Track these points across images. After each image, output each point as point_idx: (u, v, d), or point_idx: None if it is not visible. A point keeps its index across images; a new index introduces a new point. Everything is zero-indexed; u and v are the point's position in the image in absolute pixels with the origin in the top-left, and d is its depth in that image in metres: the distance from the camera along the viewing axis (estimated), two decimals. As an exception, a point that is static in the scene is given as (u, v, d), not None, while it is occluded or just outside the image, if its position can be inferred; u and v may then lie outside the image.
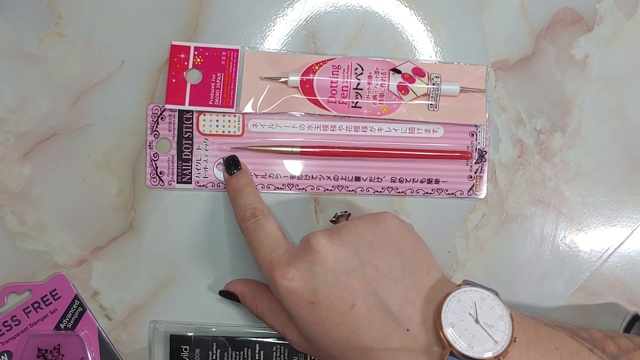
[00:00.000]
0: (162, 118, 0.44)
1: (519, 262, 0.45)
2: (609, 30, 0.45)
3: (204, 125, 0.44)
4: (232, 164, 0.43)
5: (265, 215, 0.40)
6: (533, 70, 0.45)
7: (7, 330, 0.43)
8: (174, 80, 0.43)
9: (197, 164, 0.44)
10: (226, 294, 0.43)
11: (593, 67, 0.45)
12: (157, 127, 0.44)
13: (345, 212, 0.42)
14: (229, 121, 0.44)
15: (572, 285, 0.45)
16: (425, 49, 0.45)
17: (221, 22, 0.44)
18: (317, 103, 0.43)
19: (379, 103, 0.43)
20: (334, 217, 0.42)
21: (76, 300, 0.44)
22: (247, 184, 0.42)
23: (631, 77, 0.45)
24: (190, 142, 0.44)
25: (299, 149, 0.44)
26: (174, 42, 0.44)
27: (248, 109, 0.43)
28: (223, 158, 0.43)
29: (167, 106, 0.43)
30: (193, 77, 0.44)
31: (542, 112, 0.45)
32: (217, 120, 0.44)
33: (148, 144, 0.44)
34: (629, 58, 0.45)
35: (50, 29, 0.44)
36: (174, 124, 0.44)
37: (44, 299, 0.43)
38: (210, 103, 0.43)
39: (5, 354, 0.43)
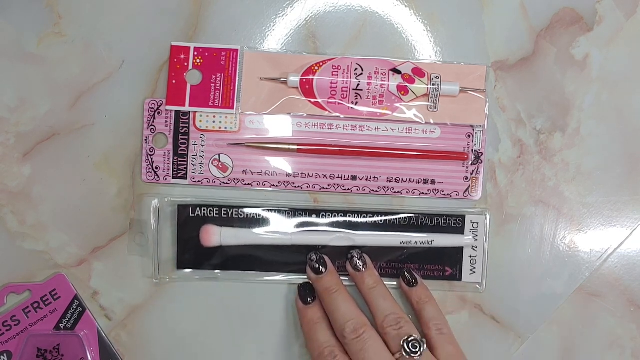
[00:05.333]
0: (158, 113, 0.44)
1: (519, 262, 0.45)
2: (609, 30, 0.45)
3: (200, 121, 0.44)
4: (308, 293, 0.42)
5: (342, 356, 0.39)
6: (533, 70, 0.45)
7: (6, 330, 0.43)
8: (174, 82, 0.43)
9: (193, 159, 0.44)
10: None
11: (593, 67, 0.45)
12: (153, 121, 0.44)
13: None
14: (226, 117, 0.44)
15: (572, 285, 0.45)
16: (425, 49, 0.45)
17: (221, 21, 0.44)
18: (317, 104, 0.43)
19: (379, 104, 0.43)
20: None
21: (76, 300, 0.44)
22: (323, 317, 0.41)
23: (631, 77, 0.45)
24: (186, 137, 0.44)
25: (295, 147, 0.43)
26: (173, 43, 0.44)
27: (248, 109, 0.43)
28: (299, 287, 0.42)
29: (168, 107, 0.43)
30: (193, 78, 0.44)
31: (542, 112, 0.45)
32: (214, 116, 0.44)
33: (144, 138, 0.44)
34: (629, 58, 0.45)
35: (50, 29, 0.44)
36: (170, 118, 0.44)
37: (44, 299, 0.43)
38: (211, 104, 0.43)
39: (5, 354, 0.43)
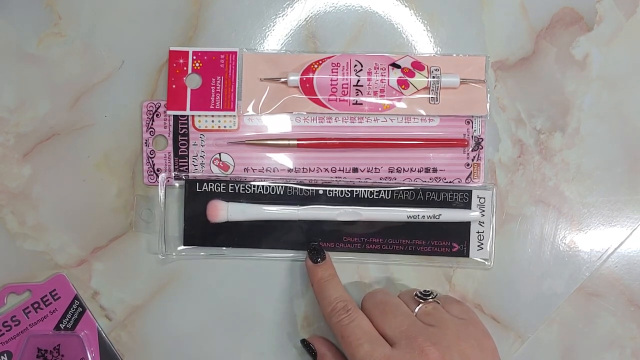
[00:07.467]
0: (157, 115, 0.44)
1: (519, 262, 0.45)
2: (609, 30, 0.45)
3: (199, 121, 0.44)
4: (317, 253, 0.42)
5: (356, 309, 0.39)
6: (533, 70, 0.45)
7: (7, 331, 0.43)
8: (174, 86, 0.43)
9: (194, 160, 0.44)
10: (307, 347, 0.42)
11: (593, 67, 0.45)
12: (152, 124, 0.44)
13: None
14: (225, 116, 0.44)
15: (572, 285, 0.45)
16: (425, 49, 0.45)
17: (221, 22, 0.44)
18: (318, 102, 0.43)
19: (380, 99, 0.43)
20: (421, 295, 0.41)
21: (76, 301, 0.44)
22: (334, 274, 0.42)
23: (631, 77, 0.45)
24: (186, 138, 0.44)
25: (295, 142, 0.43)
26: (172, 48, 0.43)
27: (249, 111, 0.43)
28: (308, 247, 0.43)
29: (169, 112, 0.43)
30: (193, 82, 0.44)
31: (542, 111, 0.45)
32: (213, 115, 0.44)
33: (144, 141, 0.44)
34: (629, 58, 0.45)
35: (50, 29, 0.44)
36: (169, 120, 0.44)
37: (44, 299, 0.43)
38: (212, 107, 0.43)
39: (5, 354, 0.43)
